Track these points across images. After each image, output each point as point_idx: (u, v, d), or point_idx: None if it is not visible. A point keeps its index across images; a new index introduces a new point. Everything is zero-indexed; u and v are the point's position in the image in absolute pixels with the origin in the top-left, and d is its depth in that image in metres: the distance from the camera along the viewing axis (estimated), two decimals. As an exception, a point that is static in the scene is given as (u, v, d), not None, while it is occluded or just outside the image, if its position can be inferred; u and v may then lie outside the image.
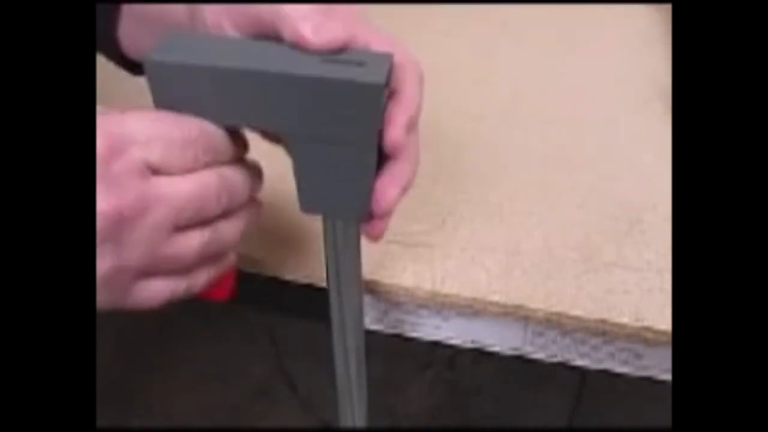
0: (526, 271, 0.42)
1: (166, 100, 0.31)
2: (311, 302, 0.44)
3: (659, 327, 0.39)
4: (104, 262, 0.28)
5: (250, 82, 0.30)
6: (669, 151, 0.53)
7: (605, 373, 0.44)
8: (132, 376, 1.22)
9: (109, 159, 0.27)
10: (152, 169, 0.29)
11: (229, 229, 0.32)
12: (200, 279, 0.33)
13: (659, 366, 0.43)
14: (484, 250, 0.44)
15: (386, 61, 0.30)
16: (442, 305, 0.42)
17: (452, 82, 0.62)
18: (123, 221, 0.28)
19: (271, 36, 0.31)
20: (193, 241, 0.31)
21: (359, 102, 0.29)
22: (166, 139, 0.29)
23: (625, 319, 0.39)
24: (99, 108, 0.29)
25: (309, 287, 0.43)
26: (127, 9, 0.37)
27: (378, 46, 0.32)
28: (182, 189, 0.29)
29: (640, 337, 0.40)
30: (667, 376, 0.44)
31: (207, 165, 0.31)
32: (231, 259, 0.35)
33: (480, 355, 0.45)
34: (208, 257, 0.32)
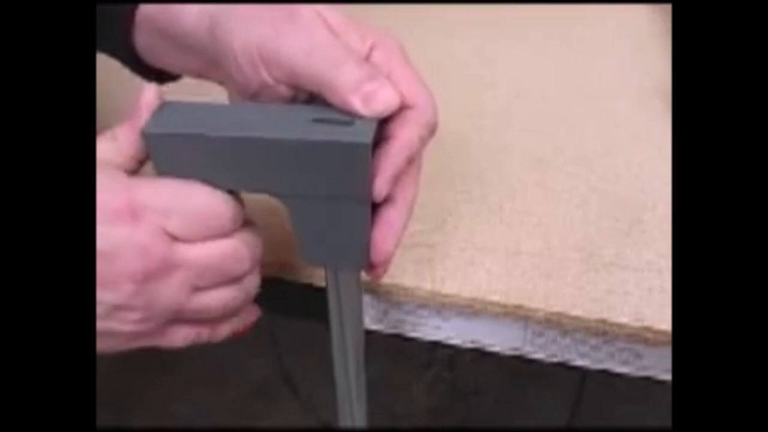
0: (526, 271, 0.42)
1: (166, 167, 0.32)
2: (311, 302, 0.44)
3: (659, 327, 0.39)
4: (134, 315, 0.31)
5: (242, 148, 0.31)
6: (669, 151, 0.53)
7: (605, 373, 0.44)
8: (132, 376, 1.22)
9: (135, 223, 0.30)
10: (171, 236, 0.31)
11: (251, 284, 0.35)
12: (223, 330, 0.36)
13: (659, 366, 0.43)
14: (484, 250, 0.44)
15: (373, 122, 0.31)
16: (442, 305, 0.42)
17: (452, 82, 0.62)
18: (148, 282, 0.31)
19: (307, 88, 0.33)
20: (215, 298, 0.34)
21: (348, 161, 0.31)
22: (184, 210, 0.32)
23: (625, 319, 0.39)
24: (122, 175, 0.32)
25: (309, 287, 0.43)
26: (144, 22, 0.37)
27: (402, 83, 0.33)
28: (201, 255, 0.32)
29: (640, 337, 0.40)
30: (667, 376, 0.44)
31: (228, 232, 0.33)
32: (255, 310, 0.38)
33: (480, 355, 0.45)
34: (232, 310, 0.35)
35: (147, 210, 0.31)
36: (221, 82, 0.37)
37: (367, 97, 0.31)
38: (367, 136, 0.30)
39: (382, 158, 0.32)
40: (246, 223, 0.34)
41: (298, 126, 0.31)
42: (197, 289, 0.33)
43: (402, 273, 0.42)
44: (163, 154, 0.32)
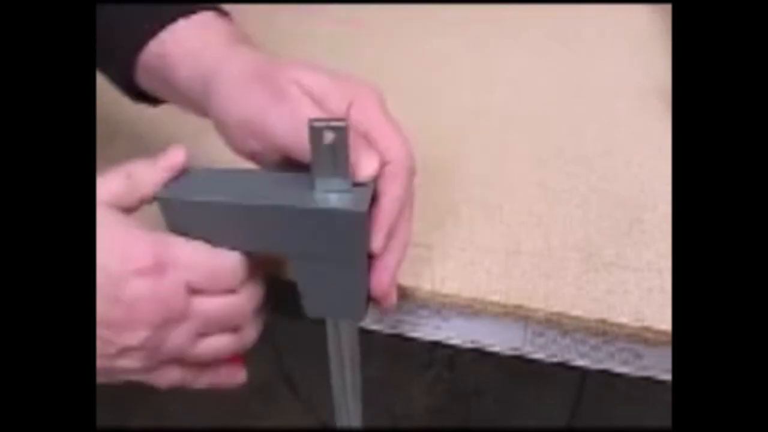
0: (526, 271, 0.42)
1: (177, 227, 0.35)
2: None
3: (659, 327, 0.39)
4: (140, 354, 0.34)
5: (248, 214, 0.34)
6: (669, 151, 0.53)
7: (605, 373, 0.44)
8: (132, 376, 1.22)
9: (160, 277, 0.32)
10: (190, 290, 0.34)
11: (248, 335, 0.38)
12: (204, 380, 0.38)
13: (659, 366, 0.43)
14: (484, 250, 0.44)
15: (369, 188, 0.34)
16: (442, 305, 0.42)
17: (452, 82, 0.62)
18: (162, 329, 0.33)
19: (296, 158, 0.35)
20: (213, 344, 0.36)
21: (345, 227, 0.33)
22: (210, 269, 0.34)
23: (625, 319, 0.39)
24: (145, 231, 0.33)
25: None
26: (145, 67, 0.39)
27: (380, 139, 0.35)
28: (212, 308, 0.35)
29: (640, 337, 0.40)
30: (667, 376, 0.44)
31: (239, 287, 0.36)
32: (242, 375, 0.41)
33: (480, 355, 0.45)
34: (224, 356, 0.38)
35: (173, 265, 0.33)
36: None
37: (352, 167, 0.33)
38: (363, 204, 0.33)
39: (376, 215, 0.34)
40: (251, 274, 0.37)
41: (298, 193, 0.34)
42: (200, 335, 0.35)
43: (402, 273, 0.42)
44: (175, 216, 0.35)
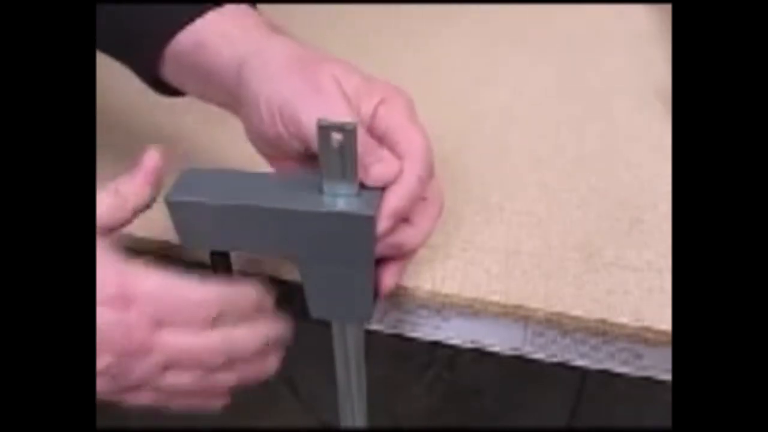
0: (526, 271, 0.42)
1: (186, 230, 0.35)
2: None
3: (659, 327, 0.39)
4: (104, 379, 0.32)
5: (256, 216, 0.34)
6: (669, 151, 0.53)
7: (605, 373, 0.44)
8: (132, 376, 1.21)
9: (126, 309, 0.31)
10: (157, 322, 0.32)
11: (225, 378, 0.36)
12: (180, 404, 0.37)
13: (659, 366, 0.43)
14: (484, 250, 0.44)
15: (378, 191, 0.34)
16: (442, 305, 0.42)
17: (453, 82, 0.62)
18: (126, 357, 0.32)
19: (310, 157, 0.35)
20: (182, 380, 0.35)
21: (353, 230, 0.33)
22: (177, 302, 0.32)
23: (625, 319, 0.39)
24: (117, 260, 0.32)
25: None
26: (174, 56, 0.39)
27: (402, 134, 0.36)
28: (178, 343, 0.33)
29: (640, 337, 0.40)
30: (667, 376, 0.44)
31: (219, 323, 0.34)
32: (224, 401, 0.38)
33: (480, 355, 0.46)
34: (198, 392, 0.36)
35: (136, 297, 0.32)
36: (236, 113, 0.39)
37: (365, 168, 0.34)
38: (371, 208, 0.33)
39: (385, 198, 0.34)
40: (248, 319, 0.35)
41: (308, 196, 0.34)
42: (168, 369, 0.34)
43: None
44: (182, 218, 0.35)
